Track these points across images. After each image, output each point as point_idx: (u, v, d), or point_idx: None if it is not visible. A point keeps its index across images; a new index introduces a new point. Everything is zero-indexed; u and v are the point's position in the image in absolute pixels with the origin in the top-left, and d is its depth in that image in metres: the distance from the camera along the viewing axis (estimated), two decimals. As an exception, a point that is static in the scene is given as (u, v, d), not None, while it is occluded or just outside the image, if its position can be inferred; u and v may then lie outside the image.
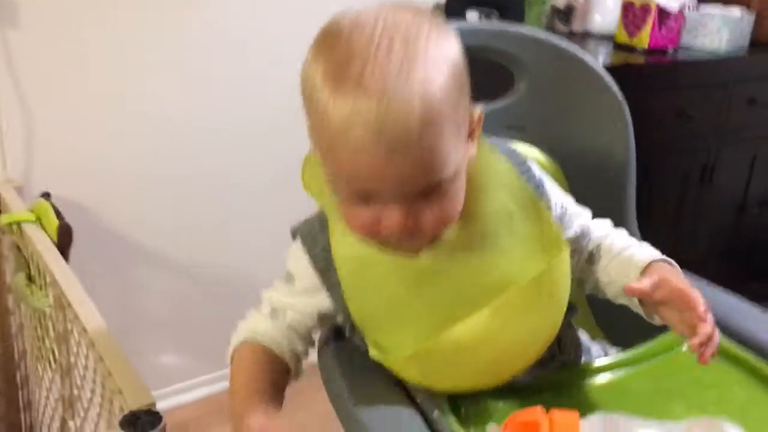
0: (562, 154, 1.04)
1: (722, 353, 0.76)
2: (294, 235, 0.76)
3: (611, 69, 1.66)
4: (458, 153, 0.62)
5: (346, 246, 0.68)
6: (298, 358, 0.75)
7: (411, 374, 0.69)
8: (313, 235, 0.71)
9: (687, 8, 1.88)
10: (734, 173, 2.08)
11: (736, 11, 1.88)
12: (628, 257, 0.75)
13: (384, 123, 0.56)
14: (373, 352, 0.67)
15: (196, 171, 1.55)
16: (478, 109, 0.67)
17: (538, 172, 0.78)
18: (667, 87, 1.79)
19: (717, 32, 1.85)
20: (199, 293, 1.65)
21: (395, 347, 0.67)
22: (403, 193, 0.60)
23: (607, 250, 0.78)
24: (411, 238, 0.63)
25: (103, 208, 1.46)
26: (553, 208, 0.76)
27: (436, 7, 1.79)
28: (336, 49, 0.59)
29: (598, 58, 1.74)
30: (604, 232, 0.80)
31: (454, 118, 0.60)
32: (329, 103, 0.58)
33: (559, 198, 0.79)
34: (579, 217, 0.80)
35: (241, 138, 1.59)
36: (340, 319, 0.74)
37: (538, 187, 0.76)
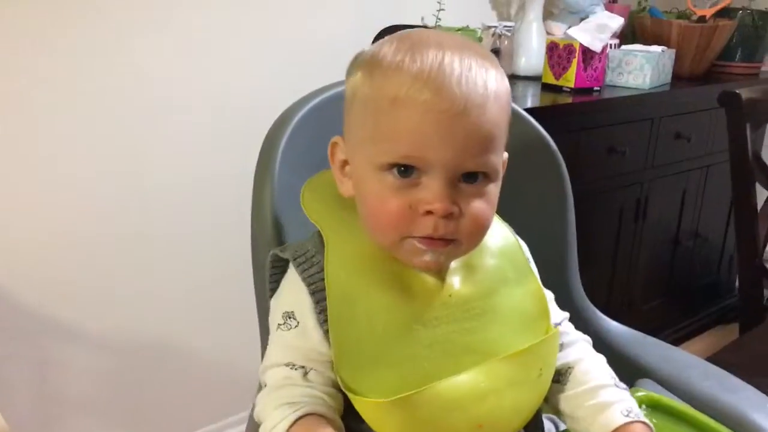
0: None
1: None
2: (277, 259, 0.70)
3: (541, 110, 1.68)
4: (501, 159, 0.63)
5: (341, 272, 0.65)
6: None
7: (388, 424, 0.62)
8: (308, 258, 0.67)
9: (610, 47, 1.91)
10: (666, 207, 2.10)
11: (657, 48, 1.92)
12: (600, 405, 0.68)
13: (466, 80, 0.58)
14: (350, 394, 0.62)
15: (110, 231, 1.45)
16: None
17: (526, 247, 0.75)
18: (597, 124, 1.80)
19: (640, 69, 1.88)
20: (125, 365, 1.54)
21: (373, 389, 0.62)
22: (453, 167, 0.60)
23: (579, 379, 0.71)
24: (446, 228, 0.61)
25: (5, 279, 1.34)
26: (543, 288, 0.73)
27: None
28: (407, 39, 0.62)
29: (527, 100, 1.74)
30: (579, 354, 0.73)
31: (505, 128, 0.63)
32: (406, 58, 0.59)
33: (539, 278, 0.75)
34: (558, 314, 0.76)
35: (160, 195, 1.50)
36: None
37: (529, 261, 0.74)
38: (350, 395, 0.62)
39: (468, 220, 0.61)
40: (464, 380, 0.62)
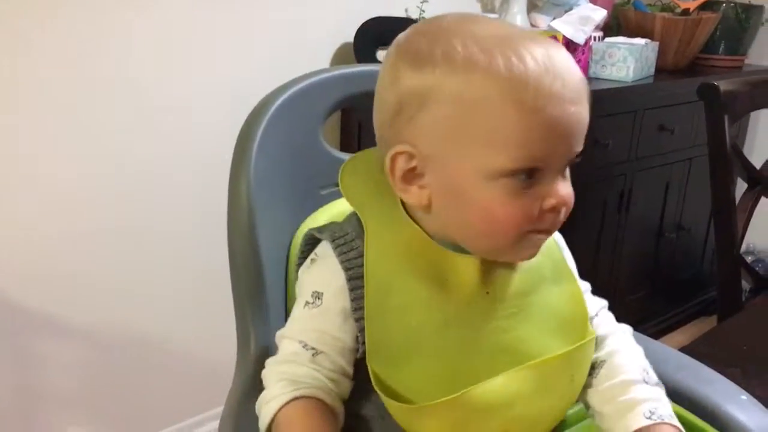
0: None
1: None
2: (312, 240, 0.68)
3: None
4: None
5: (380, 262, 0.62)
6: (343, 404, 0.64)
7: (417, 426, 0.61)
8: (347, 241, 0.64)
9: (593, 39, 1.91)
10: (650, 199, 2.11)
11: (640, 41, 1.93)
12: (625, 405, 0.65)
13: (572, 66, 0.57)
14: (382, 394, 0.60)
15: (92, 226, 1.44)
16: None
17: (562, 239, 0.73)
18: (580, 117, 1.81)
19: (623, 61, 1.88)
20: (107, 359, 1.53)
21: (404, 384, 0.61)
22: (570, 158, 0.59)
23: (609, 374, 0.68)
24: (563, 215, 0.60)
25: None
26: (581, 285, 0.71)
27: (344, 48, 1.76)
28: (477, 34, 0.58)
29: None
30: (613, 346, 0.70)
31: None
32: (510, 55, 0.55)
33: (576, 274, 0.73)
34: (594, 304, 0.74)
35: (143, 189, 1.49)
36: (359, 350, 0.65)
37: (566, 258, 0.71)
38: (382, 396, 0.60)
39: (572, 203, 0.61)
40: (495, 386, 0.60)
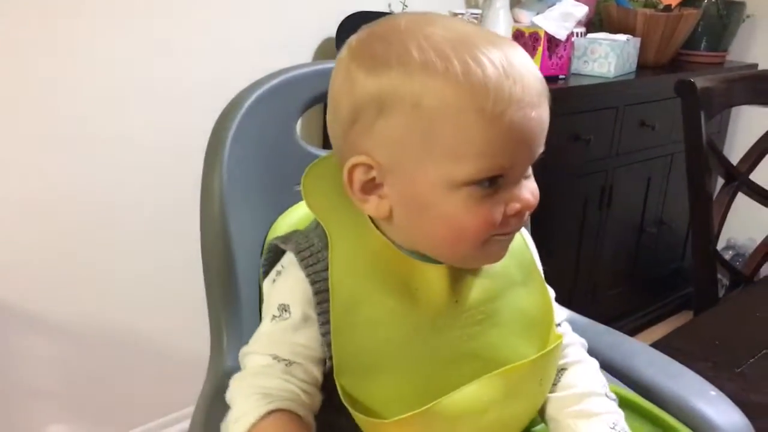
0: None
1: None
2: (276, 249, 0.66)
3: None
4: None
5: (346, 276, 0.61)
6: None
7: None
8: (313, 252, 0.62)
9: (576, 35, 1.92)
10: (631, 194, 2.13)
11: (622, 37, 1.93)
12: (587, 413, 0.65)
13: (531, 67, 0.56)
14: (351, 410, 0.59)
15: (69, 221, 1.43)
16: None
17: (530, 239, 0.72)
18: (562, 112, 1.80)
19: (605, 57, 1.89)
20: (86, 355, 1.52)
21: (373, 398, 0.60)
22: (528, 164, 0.59)
23: (569, 383, 0.68)
24: (521, 223, 0.60)
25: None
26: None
27: (326, 43, 1.76)
28: (430, 37, 0.56)
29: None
30: (573, 357, 0.71)
31: None
32: (467, 60, 0.54)
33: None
34: (560, 314, 0.73)
35: (120, 184, 1.49)
36: (327, 364, 0.64)
37: (534, 258, 0.71)
38: (352, 411, 0.59)
39: (535, 202, 0.60)
40: (466, 394, 0.60)
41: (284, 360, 0.61)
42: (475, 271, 0.64)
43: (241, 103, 0.79)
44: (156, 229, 1.55)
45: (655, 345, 0.88)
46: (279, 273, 0.65)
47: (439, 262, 0.62)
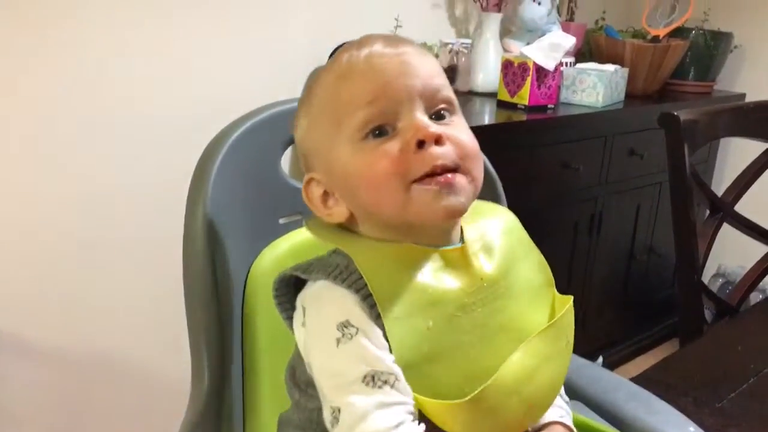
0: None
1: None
2: (295, 281, 0.66)
3: (495, 127, 1.70)
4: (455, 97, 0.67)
5: (379, 274, 0.61)
6: None
7: (454, 421, 0.61)
8: (343, 269, 0.62)
9: (565, 65, 1.94)
10: (621, 222, 2.14)
11: (610, 67, 1.96)
12: None
13: (397, 38, 0.65)
14: (426, 400, 0.60)
15: (51, 244, 1.43)
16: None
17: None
18: (551, 142, 1.83)
19: (593, 87, 1.91)
20: (71, 378, 1.52)
21: (429, 385, 0.61)
22: (416, 99, 0.62)
23: None
24: (444, 154, 0.61)
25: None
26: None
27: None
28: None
29: (483, 117, 1.77)
30: None
31: (445, 77, 0.67)
32: (341, 54, 0.64)
33: None
34: None
35: (106, 208, 1.49)
36: None
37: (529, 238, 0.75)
38: (423, 399, 0.60)
39: (459, 146, 0.62)
40: (515, 362, 0.63)
41: (385, 382, 0.59)
42: (485, 251, 0.67)
43: (225, 139, 0.80)
44: (141, 257, 1.55)
45: (637, 379, 0.89)
46: (317, 300, 0.64)
47: (453, 245, 0.66)
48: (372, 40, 0.64)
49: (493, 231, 0.70)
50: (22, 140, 1.35)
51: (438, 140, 0.61)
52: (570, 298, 0.70)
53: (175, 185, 1.33)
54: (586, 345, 2.13)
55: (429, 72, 0.64)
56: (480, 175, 0.65)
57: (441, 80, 0.65)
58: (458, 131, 0.64)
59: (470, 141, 0.64)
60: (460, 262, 0.65)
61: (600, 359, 2.12)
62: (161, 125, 1.52)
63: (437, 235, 0.65)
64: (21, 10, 1.30)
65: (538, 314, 0.69)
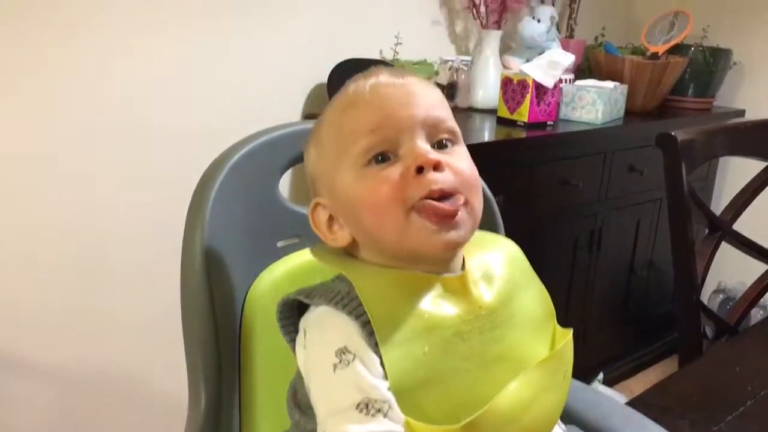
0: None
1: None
2: (298, 305, 0.67)
3: (494, 144, 1.71)
4: (458, 128, 0.68)
5: (378, 300, 0.62)
6: None
7: None
8: (344, 295, 0.63)
9: (565, 82, 1.95)
10: (621, 238, 2.14)
11: (609, 84, 1.97)
12: None
13: (402, 71, 0.67)
14: (412, 421, 0.60)
15: (54, 264, 1.44)
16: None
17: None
18: (550, 158, 1.84)
19: (593, 104, 1.92)
20: (72, 397, 1.52)
21: (425, 411, 0.61)
22: (419, 128, 0.64)
23: None
24: (444, 180, 0.62)
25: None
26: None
27: (318, 89, 1.79)
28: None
29: (483, 134, 1.77)
30: None
31: (448, 109, 0.68)
32: (349, 85, 0.67)
33: None
34: None
35: (107, 226, 1.50)
36: None
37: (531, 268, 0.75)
38: (415, 424, 0.59)
39: (458, 174, 0.63)
40: (512, 392, 0.63)
41: (378, 410, 0.59)
42: (486, 279, 0.68)
43: (224, 163, 0.81)
44: (142, 276, 1.56)
45: (633, 401, 0.89)
46: (318, 324, 0.65)
47: (453, 273, 0.66)
48: (378, 72, 0.67)
49: (495, 261, 0.71)
50: (32, 160, 1.37)
51: (437, 166, 0.62)
52: (570, 331, 0.71)
53: (177, 204, 1.34)
54: (586, 361, 2.13)
55: (432, 102, 0.66)
56: (479, 205, 0.66)
57: (444, 111, 0.66)
58: (458, 160, 0.65)
59: (470, 170, 0.66)
60: (459, 290, 0.66)
61: (600, 375, 2.11)
62: (165, 140, 1.53)
63: (437, 264, 0.66)
64: (21, 27, 1.32)
65: (538, 345, 0.69)
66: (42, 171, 1.39)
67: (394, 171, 0.63)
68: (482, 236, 0.71)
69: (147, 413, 1.63)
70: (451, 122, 0.67)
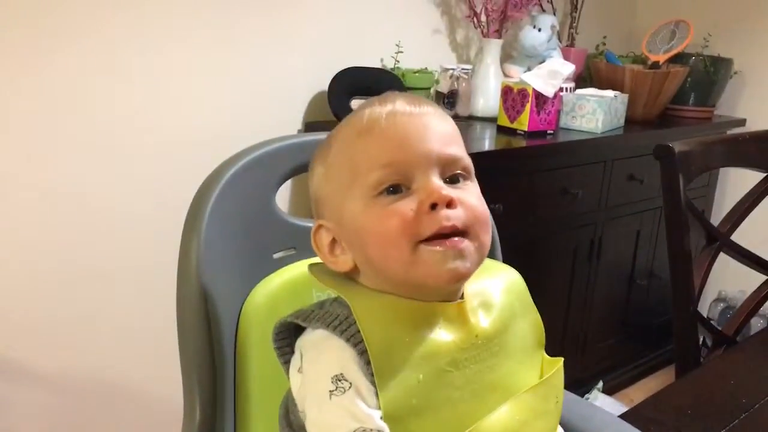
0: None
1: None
2: (294, 327, 0.67)
3: (495, 153, 1.71)
4: (471, 164, 0.67)
5: (375, 326, 0.62)
6: None
7: None
8: (342, 320, 0.63)
9: (565, 91, 1.96)
10: (621, 247, 2.14)
11: (610, 93, 1.97)
12: None
13: (420, 99, 0.67)
14: None
15: (55, 272, 1.45)
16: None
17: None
18: (550, 167, 1.84)
19: (593, 113, 1.92)
20: (73, 404, 1.53)
21: None
22: (433, 164, 0.63)
23: None
24: (455, 216, 0.62)
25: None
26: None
27: (318, 97, 1.79)
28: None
29: (483, 143, 1.78)
30: None
31: (462, 142, 0.68)
32: (364, 109, 0.66)
33: None
34: None
35: (108, 236, 1.51)
36: None
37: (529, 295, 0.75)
38: None
39: (469, 210, 0.63)
40: (501, 417, 0.64)
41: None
42: (484, 307, 0.68)
43: (221, 176, 0.82)
44: (140, 283, 1.57)
45: (627, 414, 0.89)
46: (315, 348, 0.65)
47: (451, 300, 0.66)
48: (394, 97, 0.66)
49: (495, 288, 0.71)
50: (23, 169, 1.37)
51: (450, 203, 0.62)
52: (560, 360, 0.71)
53: (175, 213, 1.35)
54: (586, 369, 2.13)
55: (448, 138, 0.65)
56: (487, 242, 0.66)
57: (459, 148, 0.66)
58: (470, 196, 0.65)
59: (481, 206, 0.65)
60: (457, 318, 0.65)
61: (600, 384, 2.11)
62: (164, 149, 1.54)
63: (438, 296, 0.66)
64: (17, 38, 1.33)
65: (528, 374, 0.69)
66: (39, 179, 1.40)
67: (405, 204, 0.62)
68: (484, 262, 0.70)
69: (143, 421, 1.63)
70: (466, 160, 0.66)
